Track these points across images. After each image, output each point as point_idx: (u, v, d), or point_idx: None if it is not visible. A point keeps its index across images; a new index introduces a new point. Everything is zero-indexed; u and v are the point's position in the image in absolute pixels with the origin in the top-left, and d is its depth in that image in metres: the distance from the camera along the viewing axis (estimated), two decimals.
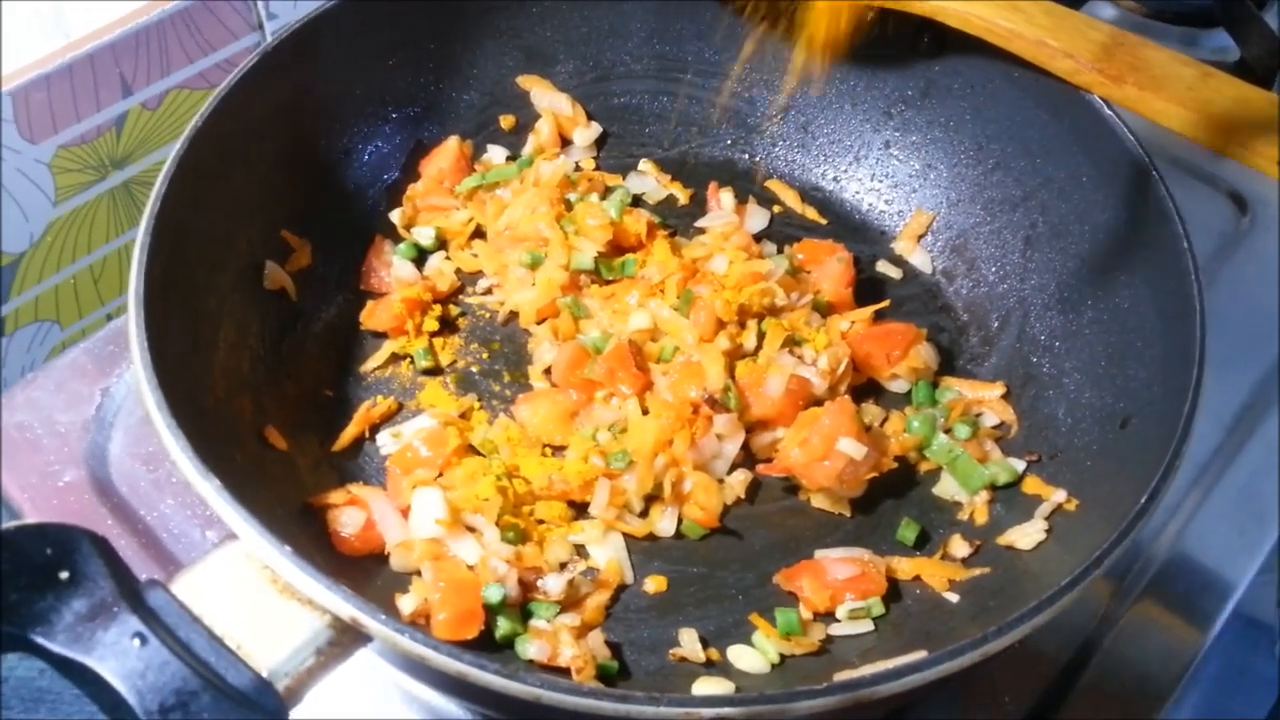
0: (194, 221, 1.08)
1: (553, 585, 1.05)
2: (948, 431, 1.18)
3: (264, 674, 0.81)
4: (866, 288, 1.30)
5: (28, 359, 1.46)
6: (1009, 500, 1.14)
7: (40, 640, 0.78)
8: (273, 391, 1.14)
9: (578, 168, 1.37)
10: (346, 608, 0.83)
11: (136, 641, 0.78)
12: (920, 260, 1.33)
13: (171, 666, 0.78)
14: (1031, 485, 1.14)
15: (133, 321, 0.96)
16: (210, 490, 0.87)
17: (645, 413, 1.15)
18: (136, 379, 0.94)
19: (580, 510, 1.12)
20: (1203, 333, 1.03)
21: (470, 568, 1.03)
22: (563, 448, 1.15)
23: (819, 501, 1.15)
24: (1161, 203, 1.11)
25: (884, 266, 1.33)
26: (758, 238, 1.32)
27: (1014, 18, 1.18)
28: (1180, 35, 1.71)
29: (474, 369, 1.23)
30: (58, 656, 0.78)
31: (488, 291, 1.29)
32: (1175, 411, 0.99)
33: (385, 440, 1.16)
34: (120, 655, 0.78)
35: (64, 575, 0.80)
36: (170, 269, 1.02)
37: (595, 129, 1.40)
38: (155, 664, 0.78)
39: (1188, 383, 1.00)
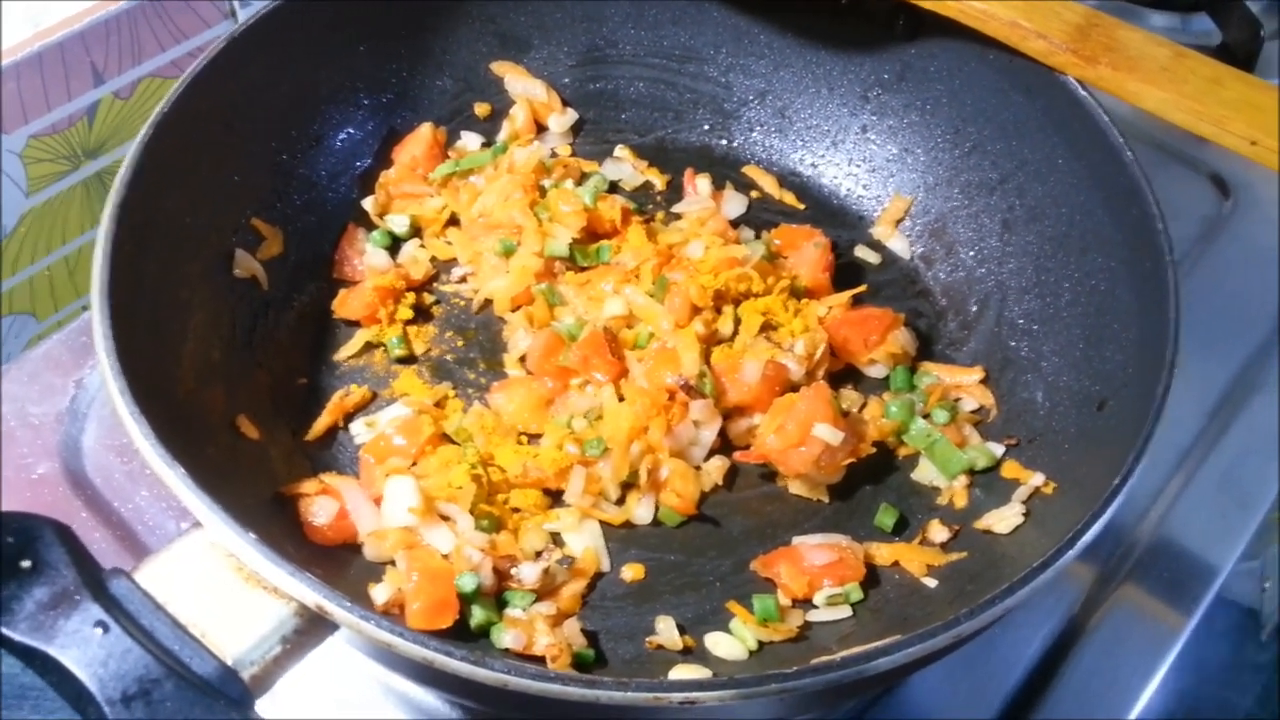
0: (161, 210, 1.07)
1: (528, 574, 1.04)
2: (926, 416, 1.18)
3: (229, 662, 0.81)
4: (844, 273, 1.29)
5: (4, 351, 1.45)
6: (987, 484, 1.14)
7: (2, 629, 0.78)
8: (244, 381, 1.13)
9: (553, 154, 1.37)
10: (312, 595, 0.82)
11: (99, 630, 0.78)
12: (898, 245, 1.33)
13: (134, 654, 0.77)
14: (1010, 469, 1.13)
15: (96, 313, 0.95)
16: (175, 479, 0.87)
17: (621, 400, 1.14)
18: (101, 369, 0.93)
19: (556, 498, 1.12)
20: (1177, 315, 1.02)
21: (444, 557, 1.03)
22: (538, 435, 1.15)
23: (796, 488, 1.14)
24: (1136, 184, 1.10)
25: (862, 251, 1.33)
26: (735, 223, 1.32)
27: None
28: (1163, 19, 1.71)
29: (448, 357, 1.22)
30: (19, 645, 0.78)
31: (462, 279, 1.28)
32: (1150, 394, 0.98)
33: (359, 429, 1.15)
34: (82, 643, 0.77)
35: (25, 564, 0.80)
36: (136, 259, 1.02)
37: (571, 115, 1.39)
38: (117, 652, 0.77)
39: (1162, 365, 1.00)
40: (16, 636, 0.77)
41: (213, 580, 0.85)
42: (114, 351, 0.92)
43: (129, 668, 0.77)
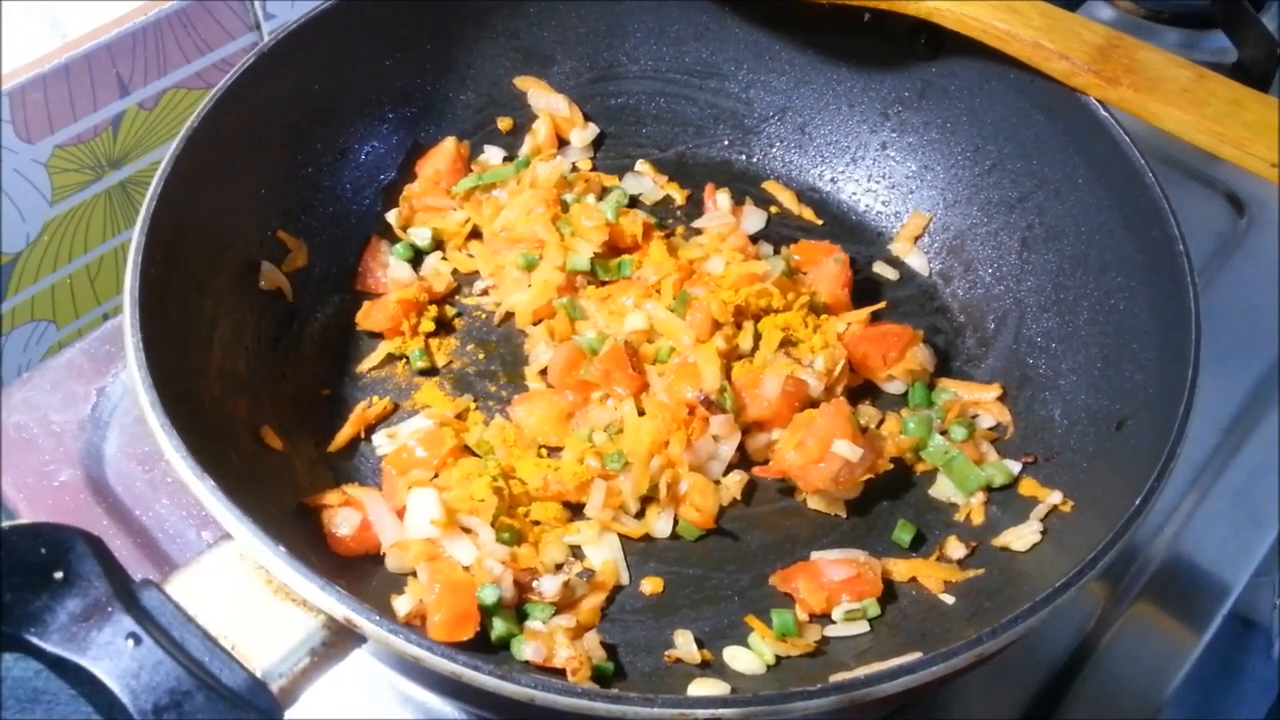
0: (189, 222, 1.08)
1: (548, 586, 1.05)
2: (944, 433, 1.18)
3: (258, 674, 0.81)
4: (863, 289, 1.30)
5: (24, 358, 1.46)
6: (1005, 502, 1.15)
7: (34, 640, 0.78)
8: (269, 392, 1.14)
9: (574, 168, 1.38)
10: (341, 608, 0.83)
11: (130, 641, 0.78)
12: (917, 261, 1.33)
13: (165, 666, 0.78)
14: (1027, 487, 1.14)
15: (128, 323, 0.96)
16: (205, 490, 0.87)
17: (641, 414, 1.15)
18: (132, 380, 0.94)
19: (576, 511, 1.12)
20: (1197, 335, 1.03)
21: (466, 569, 1.03)
22: (559, 449, 1.15)
23: (815, 503, 1.15)
24: (1156, 204, 1.11)
25: (880, 268, 1.33)
26: (754, 239, 1.32)
27: (1010, 19, 1.18)
28: (1178, 36, 1.72)
29: (470, 370, 1.23)
30: (52, 656, 0.78)
31: (484, 292, 1.29)
32: (1170, 414, 0.99)
33: (381, 441, 1.16)
34: (114, 655, 0.78)
35: (58, 575, 0.80)
36: (166, 270, 1.03)
37: (592, 130, 1.40)
38: (149, 664, 0.78)
39: (1183, 385, 1.00)
40: (49, 647, 0.78)
41: (242, 592, 0.86)
42: (145, 364, 0.93)
43: (161, 679, 0.77)
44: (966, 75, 1.29)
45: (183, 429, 0.91)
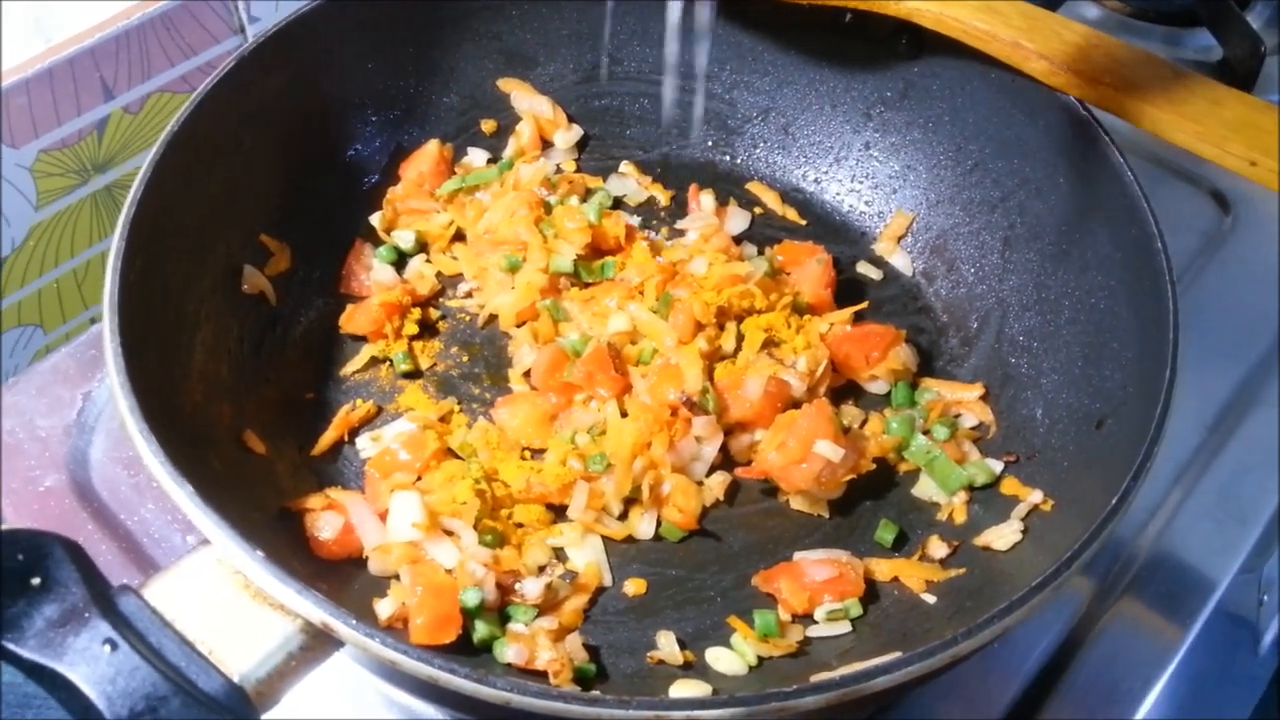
0: (171, 226, 1.08)
1: (531, 588, 1.05)
2: (926, 433, 1.18)
3: (235, 679, 0.82)
4: (846, 289, 1.30)
5: (11, 363, 1.46)
6: (987, 501, 1.15)
7: (11, 646, 0.79)
8: (251, 396, 1.14)
9: (559, 170, 1.38)
10: (317, 612, 0.83)
11: (107, 647, 0.79)
12: (900, 261, 1.33)
13: (141, 672, 0.78)
14: (1009, 486, 1.14)
15: (107, 327, 0.96)
16: (182, 495, 0.88)
17: (624, 415, 1.15)
18: (111, 385, 0.94)
19: (559, 513, 1.13)
20: (1175, 335, 1.03)
21: (448, 571, 1.04)
22: (542, 451, 1.16)
23: (797, 503, 1.15)
24: (1135, 203, 1.11)
25: (864, 268, 1.33)
26: (738, 239, 1.33)
27: (990, 19, 1.18)
28: (1163, 35, 1.72)
29: (453, 372, 1.23)
30: (28, 662, 0.78)
31: (468, 295, 1.29)
32: (1148, 413, 0.99)
33: (364, 444, 1.16)
34: (91, 661, 0.78)
35: (36, 581, 0.81)
36: (147, 274, 1.03)
37: (576, 131, 1.40)
38: (125, 670, 0.78)
39: (1160, 385, 1.00)
40: (25, 654, 0.78)
41: (220, 597, 0.86)
42: (124, 369, 0.93)
43: (136, 685, 0.77)
44: (948, 75, 1.29)
45: (162, 434, 0.91)
